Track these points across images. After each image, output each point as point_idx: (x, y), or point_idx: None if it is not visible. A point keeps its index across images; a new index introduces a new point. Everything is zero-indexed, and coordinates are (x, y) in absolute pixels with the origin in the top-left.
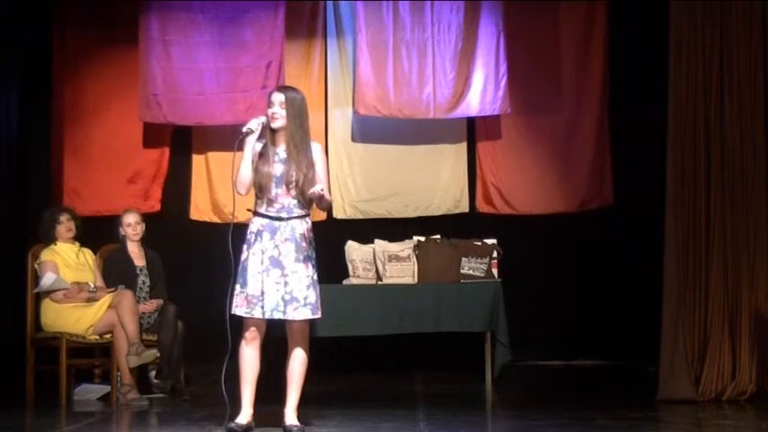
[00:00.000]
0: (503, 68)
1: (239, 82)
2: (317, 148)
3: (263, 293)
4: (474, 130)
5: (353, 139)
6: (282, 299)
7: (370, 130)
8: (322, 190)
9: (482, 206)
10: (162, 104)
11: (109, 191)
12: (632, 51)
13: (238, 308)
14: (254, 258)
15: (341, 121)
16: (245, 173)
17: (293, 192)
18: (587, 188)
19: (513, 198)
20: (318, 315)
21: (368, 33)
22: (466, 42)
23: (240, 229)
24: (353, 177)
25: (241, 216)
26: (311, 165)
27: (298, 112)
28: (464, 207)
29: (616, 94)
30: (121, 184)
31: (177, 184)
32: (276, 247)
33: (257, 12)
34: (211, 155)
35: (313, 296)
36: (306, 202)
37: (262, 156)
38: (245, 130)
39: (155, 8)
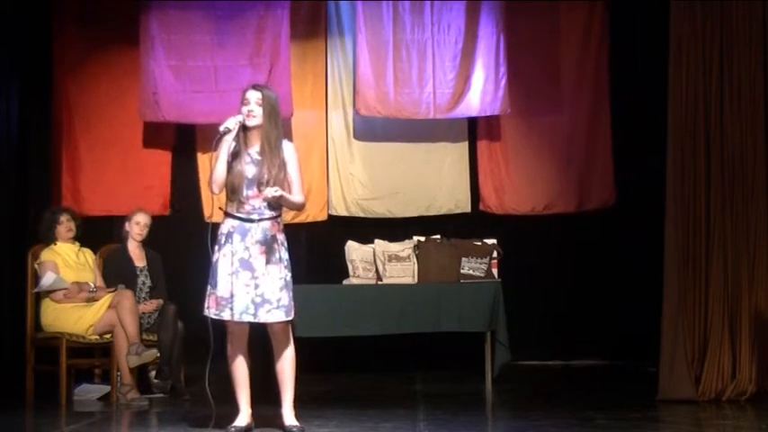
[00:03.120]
0: (503, 69)
1: (239, 80)
2: (288, 148)
3: (232, 296)
4: (475, 131)
5: (354, 139)
6: (252, 301)
7: (370, 129)
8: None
9: (483, 206)
10: (160, 103)
11: (109, 191)
12: (632, 51)
13: (209, 309)
14: (224, 260)
15: (341, 120)
16: (221, 172)
17: None
18: (588, 188)
19: (514, 198)
20: (292, 316)
21: (368, 33)
22: (466, 42)
23: None
24: (354, 176)
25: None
26: (283, 165)
27: (273, 110)
28: (465, 207)
29: (616, 95)
30: (122, 184)
31: (177, 184)
32: (247, 248)
33: (258, 11)
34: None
35: (286, 298)
36: (277, 203)
37: (235, 156)
38: (222, 129)
39: (154, 7)
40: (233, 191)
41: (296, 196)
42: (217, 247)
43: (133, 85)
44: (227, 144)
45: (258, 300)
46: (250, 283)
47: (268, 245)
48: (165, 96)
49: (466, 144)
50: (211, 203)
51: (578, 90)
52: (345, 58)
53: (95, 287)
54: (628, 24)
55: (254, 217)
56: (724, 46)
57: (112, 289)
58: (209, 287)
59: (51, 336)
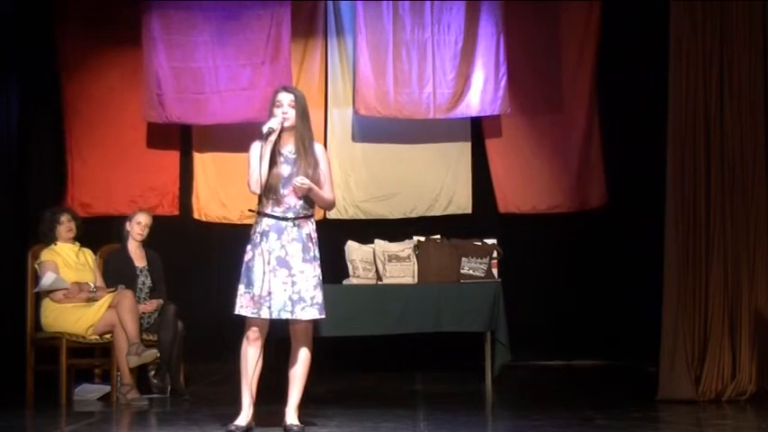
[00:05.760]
0: (503, 68)
1: (241, 81)
2: (319, 148)
3: (270, 294)
4: (475, 131)
5: (354, 139)
6: (290, 299)
7: (370, 129)
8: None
9: (484, 206)
10: (164, 104)
11: (110, 191)
12: (631, 52)
13: (243, 308)
14: (260, 258)
15: (341, 121)
16: (266, 171)
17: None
18: (585, 188)
19: (515, 197)
20: (324, 315)
21: (368, 33)
22: (466, 42)
23: (240, 229)
24: (354, 177)
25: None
26: (316, 164)
27: (304, 111)
28: (466, 208)
29: (616, 94)
30: (123, 184)
31: (181, 185)
32: (283, 247)
33: (259, 11)
34: (212, 155)
35: (320, 296)
36: (311, 201)
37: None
38: (266, 129)
39: (156, 8)
40: (269, 189)
41: (327, 194)
42: (250, 246)
43: (135, 85)
44: (271, 144)
45: (295, 297)
46: (287, 280)
47: (303, 243)
48: (168, 97)
49: (466, 144)
50: (220, 204)
51: (576, 90)
52: (345, 58)
53: (95, 287)
54: (627, 25)
55: (290, 215)
56: (724, 46)
57: (112, 289)
58: (241, 287)
59: (51, 336)
